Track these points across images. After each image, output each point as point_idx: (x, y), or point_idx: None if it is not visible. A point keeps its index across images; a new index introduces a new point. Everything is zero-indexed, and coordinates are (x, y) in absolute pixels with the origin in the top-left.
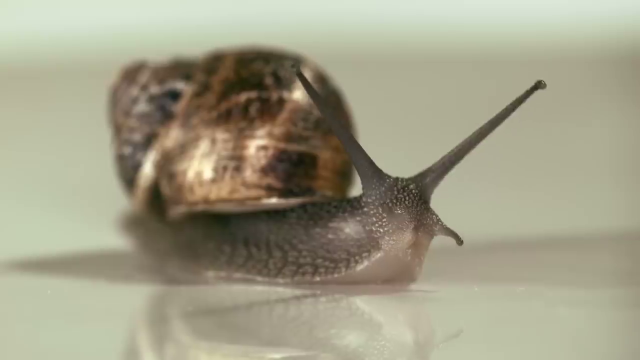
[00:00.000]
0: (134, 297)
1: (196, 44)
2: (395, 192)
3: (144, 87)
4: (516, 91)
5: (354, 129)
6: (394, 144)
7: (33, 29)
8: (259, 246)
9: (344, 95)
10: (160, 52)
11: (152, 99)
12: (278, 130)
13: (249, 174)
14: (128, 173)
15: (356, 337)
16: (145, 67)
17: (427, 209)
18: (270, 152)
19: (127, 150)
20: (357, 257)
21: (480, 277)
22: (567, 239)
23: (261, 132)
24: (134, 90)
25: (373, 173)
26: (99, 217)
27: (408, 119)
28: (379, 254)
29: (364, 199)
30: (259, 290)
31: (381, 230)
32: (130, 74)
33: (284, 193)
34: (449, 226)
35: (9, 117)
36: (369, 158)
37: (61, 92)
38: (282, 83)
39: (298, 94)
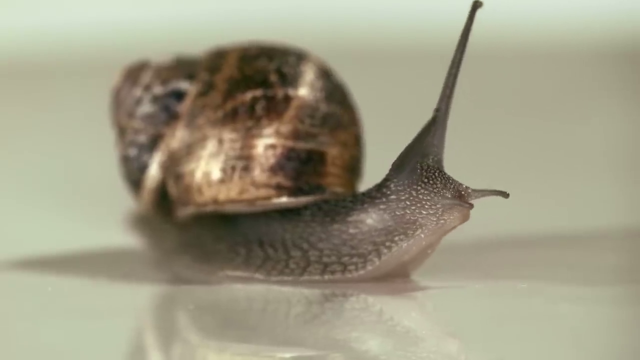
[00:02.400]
0: (140, 295)
1: (196, 40)
2: (425, 173)
3: (147, 88)
4: (516, 88)
5: (360, 123)
6: (398, 138)
7: (33, 26)
8: (274, 246)
9: (349, 89)
10: (159, 47)
11: (155, 99)
12: (285, 128)
13: (258, 174)
14: (134, 175)
15: (378, 344)
16: (148, 67)
17: (452, 179)
18: (279, 150)
19: (133, 151)
20: (387, 243)
21: (481, 275)
22: (567, 236)
23: (268, 130)
24: (137, 91)
25: (412, 167)
26: (105, 215)
27: (413, 112)
28: (418, 233)
29: (392, 187)
30: (278, 289)
31: (423, 212)
32: (133, 74)
33: (293, 192)
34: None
35: (11, 116)
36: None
37: (62, 89)
38: (287, 80)
39: (303, 91)
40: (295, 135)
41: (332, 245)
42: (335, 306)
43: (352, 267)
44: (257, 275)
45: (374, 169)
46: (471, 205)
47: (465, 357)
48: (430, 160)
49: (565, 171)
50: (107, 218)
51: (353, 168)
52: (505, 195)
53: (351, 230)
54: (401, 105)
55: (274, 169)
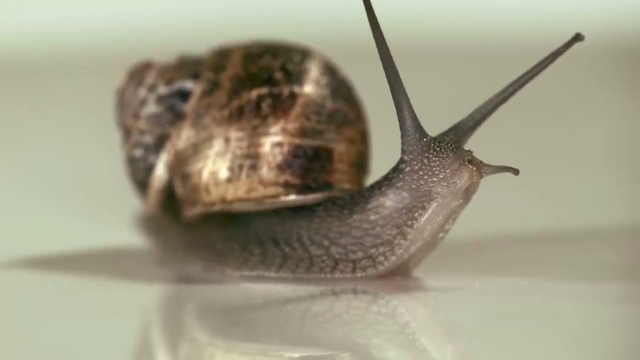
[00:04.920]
0: (148, 293)
1: (198, 38)
2: (437, 142)
3: (152, 88)
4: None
5: (366, 119)
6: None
7: (37, 26)
8: (291, 244)
9: (354, 85)
10: (160, 46)
11: (160, 99)
12: (292, 125)
13: (266, 172)
14: (140, 175)
15: (396, 357)
16: (152, 67)
17: (467, 150)
18: (286, 148)
19: (139, 152)
20: (409, 222)
21: (482, 272)
22: (568, 234)
23: (275, 128)
24: (142, 92)
25: (416, 127)
26: (111, 215)
27: (416, 107)
28: (434, 203)
29: (405, 158)
30: (305, 288)
31: (434, 179)
32: (137, 74)
33: (301, 189)
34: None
35: (16, 116)
36: (414, 112)
37: (67, 89)
38: (292, 77)
39: (309, 88)
40: (302, 132)
41: (354, 240)
42: (362, 306)
43: (381, 258)
44: (282, 274)
45: (381, 165)
46: (473, 157)
47: (466, 356)
48: (448, 138)
49: (565, 169)
50: (114, 218)
51: (360, 164)
52: (515, 172)
53: (372, 217)
54: None
55: (281, 167)
